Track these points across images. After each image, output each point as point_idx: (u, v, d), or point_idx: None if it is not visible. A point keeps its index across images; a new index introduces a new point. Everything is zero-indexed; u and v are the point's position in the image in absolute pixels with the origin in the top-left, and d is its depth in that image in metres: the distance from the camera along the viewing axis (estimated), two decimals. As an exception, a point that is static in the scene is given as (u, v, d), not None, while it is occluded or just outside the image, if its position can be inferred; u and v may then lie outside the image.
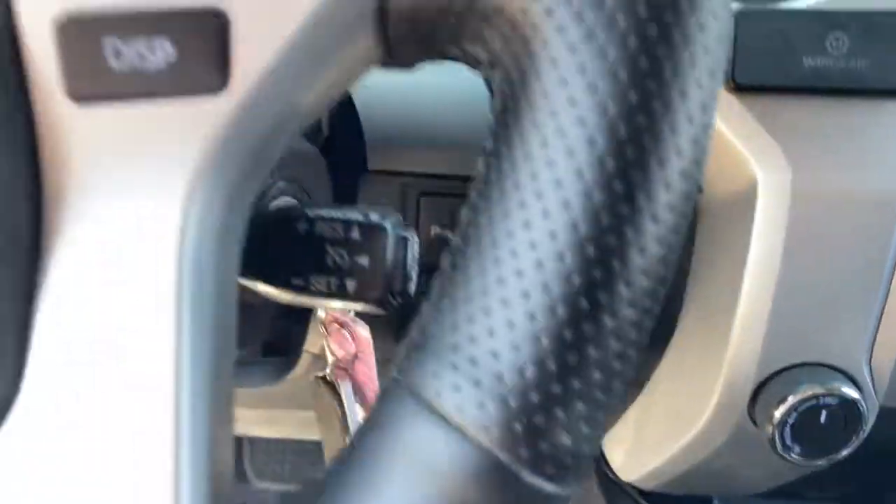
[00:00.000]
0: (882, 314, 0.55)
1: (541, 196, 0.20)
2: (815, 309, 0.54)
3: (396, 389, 0.22)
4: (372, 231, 0.30)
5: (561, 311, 0.20)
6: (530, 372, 0.20)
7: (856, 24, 0.49)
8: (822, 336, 0.55)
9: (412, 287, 0.31)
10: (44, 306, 0.21)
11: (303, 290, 0.31)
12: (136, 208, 0.21)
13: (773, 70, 0.48)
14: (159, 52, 0.21)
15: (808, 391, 0.55)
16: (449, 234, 0.66)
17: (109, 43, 0.20)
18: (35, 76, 0.20)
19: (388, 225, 0.30)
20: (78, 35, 0.20)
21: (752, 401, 0.57)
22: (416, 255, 0.31)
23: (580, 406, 0.20)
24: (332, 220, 0.31)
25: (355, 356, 0.53)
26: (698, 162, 0.21)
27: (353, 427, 0.50)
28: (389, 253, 0.30)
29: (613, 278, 0.20)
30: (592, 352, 0.20)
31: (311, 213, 0.31)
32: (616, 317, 0.20)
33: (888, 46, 0.49)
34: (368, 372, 0.53)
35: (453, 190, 0.62)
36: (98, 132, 0.21)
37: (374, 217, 0.31)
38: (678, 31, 0.19)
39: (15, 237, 0.20)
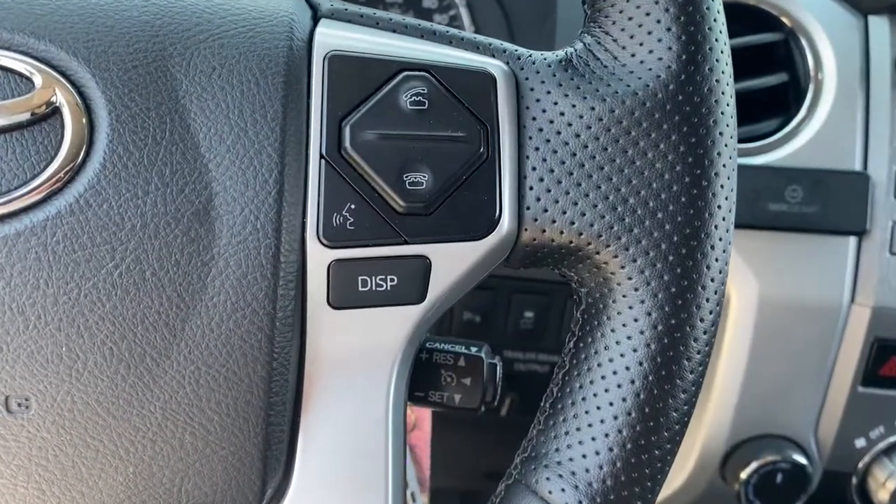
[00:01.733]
0: (825, 398, 0.69)
1: (615, 373, 0.34)
2: (774, 393, 0.69)
3: (519, 487, 0.35)
4: (473, 360, 0.43)
5: (625, 432, 0.33)
6: (609, 482, 0.33)
7: (808, 179, 0.64)
8: (780, 414, 0.69)
9: (497, 397, 0.44)
10: (305, 427, 0.34)
11: (422, 400, 0.44)
12: (363, 372, 0.34)
13: (744, 212, 0.63)
14: (389, 281, 0.34)
15: (767, 457, 0.69)
16: (476, 319, 0.79)
17: (360, 276, 0.33)
18: (311, 293, 0.33)
19: (483, 356, 0.44)
20: (342, 272, 0.33)
21: (723, 464, 0.71)
22: (501, 375, 0.44)
23: (642, 500, 0.33)
24: (444, 351, 0.44)
25: (414, 425, 0.66)
26: (710, 345, 0.35)
27: (408, 480, 0.62)
28: (485, 376, 0.43)
29: (659, 411, 0.33)
30: (645, 457, 0.33)
31: (430, 345, 0.44)
32: (661, 435, 0.33)
33: (832, 197, 0.64)
34: (424, 437, 0.66)
35: (482, 284, 0.76)
36: (343, 328, 0.34)
37: (474, 349, 0.44)
38: (699, 296, 0.33)
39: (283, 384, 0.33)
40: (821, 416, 0.70)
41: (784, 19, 0.68)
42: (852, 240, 0.66)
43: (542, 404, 0.37)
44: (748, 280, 0.66)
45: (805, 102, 0.67)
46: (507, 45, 0.36)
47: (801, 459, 0.69)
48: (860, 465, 0.70)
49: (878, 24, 0.68)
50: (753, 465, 0.69)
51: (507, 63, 0.35)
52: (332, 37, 0.34)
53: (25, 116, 0.31)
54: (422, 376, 0.43)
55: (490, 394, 0.44)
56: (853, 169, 0.65)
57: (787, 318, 0.67)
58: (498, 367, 0.44)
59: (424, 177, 0.33)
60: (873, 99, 0.66)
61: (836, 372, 0.69)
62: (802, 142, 0.65)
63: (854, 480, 0.71)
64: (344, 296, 0.34)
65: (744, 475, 0.69)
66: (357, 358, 0.34)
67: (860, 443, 0.70)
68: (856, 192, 0.64)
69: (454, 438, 0.92)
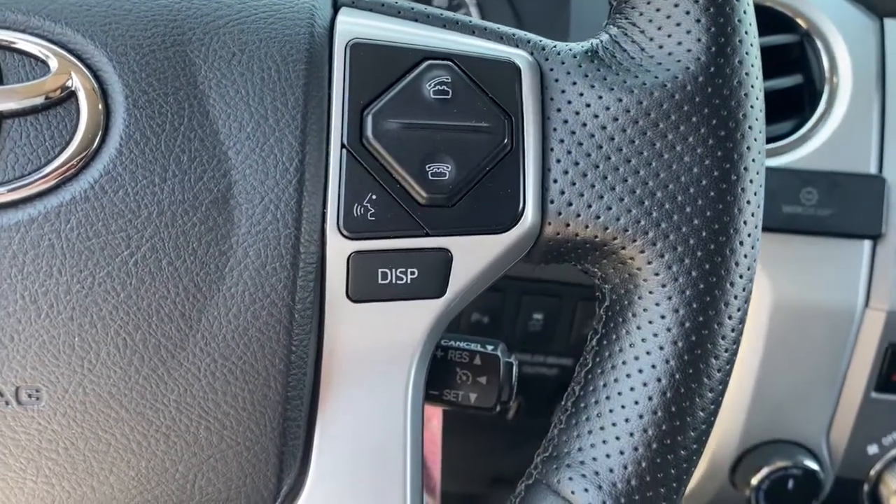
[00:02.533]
0: (838, 403, 0.68)
1: (641, 371, 0.33)
2: (785, 397, 0.68)
3: (540, 487, 0.34)
4: (490, 359, 0.42)
5: (651, 431, 0.32)
6: (634, 482, 0.32)
7: (823, 182, 0.63)
8: (791, 419, 0.69)
9: (513, 397, 0.44)
10: (321, 422, 0.33)
11: (437, 398, 0.43)
12: (381, 366, 0.33)
13: (759, 214, 0.62)
14: (409, 274, 0.33)
15: (778, 463, 0.68)
16: (484, 320, 0.78)
17: (380, 269, 0.33)
18: (330, 285, 0.32)
19: (500, 354, 0.43)
20: (362, 264, 0.32)
21: (733, 469, 0.70)
22: (517, 374, 0.44)
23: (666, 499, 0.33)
24: (460, 349, 0.43)
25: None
26: (737, 343, 0.34)
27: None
28: (502, 375, 0.42)
29: (686, 410, 0.32)
30: (671, 457, 0.32)
31: (445, 342, 0.43)
32: (687, 435, 0.33)
33: (848, 200, 0.63)
34: (433, 439, 0.65)
35: (491, 284, 0.75)
36: (362, 322, 0.33)
37: (490, 348, 0.43)
38: (727, 294, 0.32)
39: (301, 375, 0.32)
40: (833, 422, 0.69)
41: (799, 21, 0.67)
42: (867, 243, 0.65)
43: (562, 403, 0.36)
44: (761, 283, 0.65)
45: (820, 104, 0.66)
46: (531, 35, 0.35)
47: (813, 465, 0.68)
48: (872, 471, 0.70)
49: (894, 26, 0.67)
50: (764, 471, 0.68)
51: (532, 54, 0.34)
52: (354, 24, 0.33)
53: (40, 100, 0.30)
54: (436, 374, 0.42)
55: (506, 393, 0.43)
56: (868, 172, 0.64)
57: (800, 322, 0.66)
58: (514, 367, 0.43)
59: (447, 167, 0.32)
60: (889, 101, 0.65)
61: (849, 377, 0.68)
62: (817, 144, 0.65)
63: (866, 487, 0.70)
64: (363, 288, 0.33)
65: (754, 481, 0.68)
66: (375, 352, 0.34)
67: (872, 449, 0.69)
68: (871, 196, 0.64)
69: (458, 442, 0.92)
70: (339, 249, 0.32)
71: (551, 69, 0.34)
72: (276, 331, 0.31)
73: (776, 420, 0.69)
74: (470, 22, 0.35)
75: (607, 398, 0.34)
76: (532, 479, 0.35)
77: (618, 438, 0.33)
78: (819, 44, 0.67)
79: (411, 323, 0.34)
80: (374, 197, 0.32)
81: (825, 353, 0.67)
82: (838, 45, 0.66)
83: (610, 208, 0.33)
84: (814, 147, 0.65)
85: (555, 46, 0.35)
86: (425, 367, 0.36)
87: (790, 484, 0.68)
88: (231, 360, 0.31)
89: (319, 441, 0.33)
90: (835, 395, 0.68)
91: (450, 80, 0.33)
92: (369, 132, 0.32)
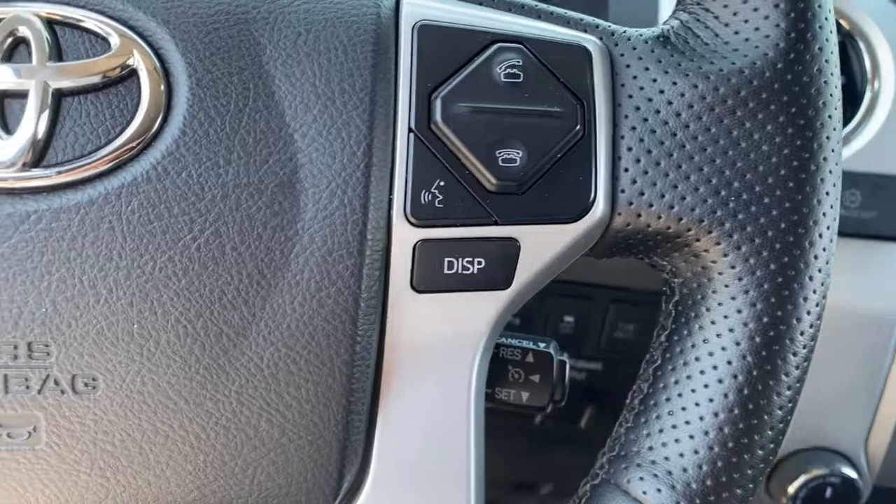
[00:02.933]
0: (877, 411, 0.67)
1: (716, 368, 0.32)
2: (824, 404, 0.67)
3: (608, 487, 0.33)
4: (542, 357, 0.41)
5: (727, 429, 0.31)
6: (709, 482, 0.31)
7: (867, 184, 0.62)
8: (829, 426, 0.67)
9: (565, 396, 0.42)
10: (383, 416, 0.32)
11: (489, 397, 0.41)
12: (445, 359, 0.32)
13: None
14: (476, 264, 0.32)
15: (816, 471, 0.67)
16: (516, 321, 0.76)
17: (446, 258, 0.31)
18: (394, 274, 0.31)
19: (553, 352, 0.42)
20: (428, 252, 0.31)
21: (769, 478, 0.69)
22: (568, 373, 0.42)
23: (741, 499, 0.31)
24: (512, 346, 0.42)
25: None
26: (815, 339, 0.33)
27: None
28: (555, 373, 0.41)
29: (763, 409, 0.31)
30: (747, 457, 0.31)
31: (497, 340, 0.42)
32: (764, 433, 0.31)
33: (891, 202, 0.62)
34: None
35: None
36: (426, 313, 0.32)
37: (542, 345, 0.42)
38: (806, 288, 0.31)
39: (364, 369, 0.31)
40: (872, 430, 0.68)
41: (841, 21, 0.66)
42: (910, 247, 0.64)
43: (628, 401, 0.35)
44: (802, 286, 0.63)
45: (862, 106, 0.65)
46: (599, 21, 0.34)
47: (851, 474, 0.67)
48: (911, 480, 0.68)
49: (937, 27, 0.66)
50: (802, 479, 0.67)
51: (601, 38, 0.33)
52: (420, 6, 0.32)
53: (99, 79, 0.29)
54: (489, 372, 0.41)
55: (559, 392, 0.42)
56: (912, 174, 0.63)
57: (840, 327, 0.65)
58: (567, 365, 0.42)
59: (518, 153, 0.31)
60: (933, 103, 0.64)
61: (889, 383, 0.66)
62: (860, 145, 0.64)
63: (905, 497, 0.69)
64: (429, 278, 0.32)
65: (791, 489, 0.67)
66: (439, 345, 0.32)
67: (912, 458, 0.67)
68: (915, 198, 0.62)
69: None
70: (405, 237, 0.31)
71: (622, 54, 0.33)
72: (341, 320, 0.30)
73: (814, 427, 0.67)
74: (536, 6, 0.34)
75: (679, 395, 0.32)
76: (598, 479, 0.34)
77: (692, 437, 0.32)
78: (861, 45, 0.65)
79: (476, 315, 0.33)
80: (441, 183, 0.31)
81: (865, 359, 0.66)
82: (881, 46, 0.65)
83: (684, 198, 0.32)
84: (857, 149, 0.63)
85: (624, 32, 0.34)
86: (488, 361, 0.35)
87: (828, 492, 0.67)
88: (295, 350, 0.30)
89: (381, 435, 0.32)
90: (874, 402, 0.67)
91: (521, 64, 0.32)
92: (438, 116, 0.31)
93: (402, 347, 0.32)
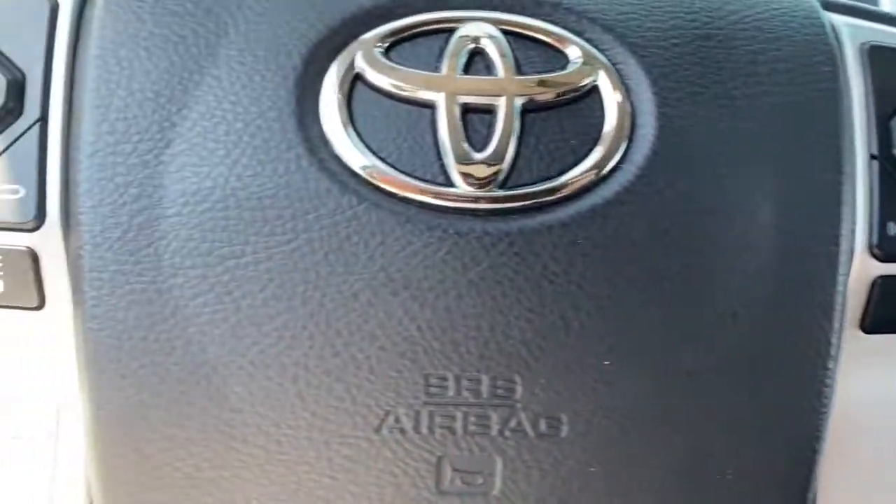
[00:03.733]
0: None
1: None
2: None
3: None
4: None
5: None
6: None
7: None
8: None
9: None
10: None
11: None
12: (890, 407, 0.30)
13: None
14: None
15: None
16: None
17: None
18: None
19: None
20: (886, 289, 0.29)
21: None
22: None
23: None
24: None
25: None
26: None
27: None
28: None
29: None
30: None
31: None
32: None
33: None
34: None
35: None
36: (875, 356, 0.29)
37: None
38: None
39: None
40: None
41: None
42: None
43: None
44: None
45: None
46: None
47: None
48: None
49: None
50: None
51: None
52: (856, 27, 0.30)
53: (563, 95, 0.27)
54: None
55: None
56: None
57: None
58: None
59: None
60: None
61: None
62: None
63: None
64: (884, 318, 0.29)
65: None
66: (886, 392, 0.30)
67: None
68: None
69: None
70: (864, 272, 0.29)
71: None
72: (812, 361, 0.28)
73: None
74: None
75: None
76: None
77: None
78: None
79: None
80: None
81: None
82: None
83: None
84: None
85: None
86: None
87: None
88: (752, 393, 0.27)
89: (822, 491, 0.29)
90: None
91: None
92: None
93: (847, 393, 0.29)
